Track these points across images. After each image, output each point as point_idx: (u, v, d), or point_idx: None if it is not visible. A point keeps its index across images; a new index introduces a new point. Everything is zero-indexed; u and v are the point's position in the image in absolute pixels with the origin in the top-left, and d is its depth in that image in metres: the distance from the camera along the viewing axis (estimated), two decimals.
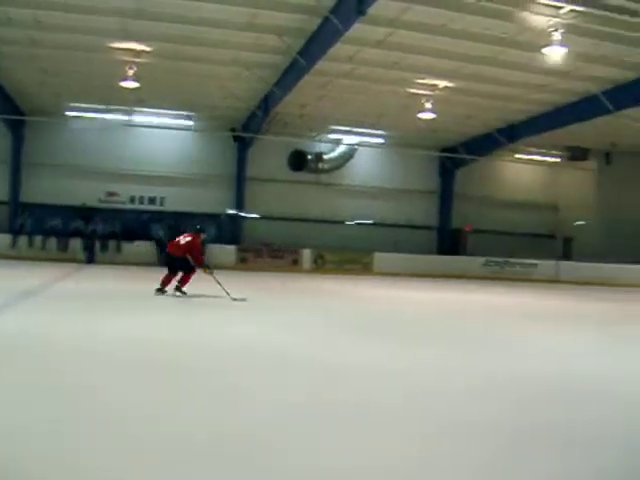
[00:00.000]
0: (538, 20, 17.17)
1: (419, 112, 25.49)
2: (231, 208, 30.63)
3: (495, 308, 16.67)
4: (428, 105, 24.83)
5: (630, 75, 21.57)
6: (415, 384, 6.53)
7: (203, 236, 15.15)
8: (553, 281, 30.14)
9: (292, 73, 21.75)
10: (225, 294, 13.74)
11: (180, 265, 14.41)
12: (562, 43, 17.54)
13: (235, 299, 13.62)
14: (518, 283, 28.24)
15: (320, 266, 29.34)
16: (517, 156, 34.83)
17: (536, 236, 34.21)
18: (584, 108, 24.47)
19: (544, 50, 18.20)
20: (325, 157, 32.15)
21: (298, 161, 31.73)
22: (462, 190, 34.23)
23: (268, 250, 29.24)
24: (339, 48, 18.92)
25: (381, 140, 32.47)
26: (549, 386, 6.69)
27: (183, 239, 14.59)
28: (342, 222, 31.82)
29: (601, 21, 17.19)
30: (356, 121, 29.30)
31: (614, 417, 5.54)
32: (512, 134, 29.34)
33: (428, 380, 6.75)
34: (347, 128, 30.69)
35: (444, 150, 33.96)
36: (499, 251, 31.46)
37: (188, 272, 14.43)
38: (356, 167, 33.01)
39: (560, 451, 4.40)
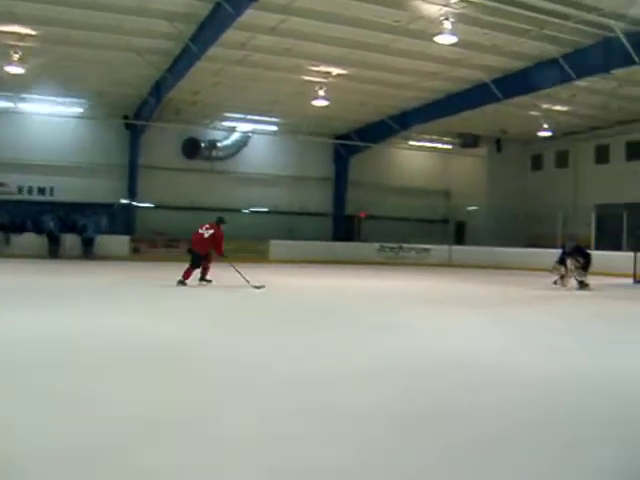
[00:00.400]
0: (430, 9, 17.38)
1: (313, 99, 25.50)
2: (124, 197, 29.93)
3: (389, 293, 16.81)
4: (321, 92, 24.85)
5: (518, 64, 22.15)
6: (304, 369, 6.58)
7: (223, 227, 15.98)
8: (446, 265, 30.71)
9: (184, 59, 21.34)
10: (245, 282, 14.87)
11: (203, 259, 15.55)
12: (453, 32, 17.79)
13: (256, 287, 14.71)
14: (412, 268, 28.65)
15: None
16: (410, 143, 35.40)
17: (429, 221, 34.88)
18: (475, 96, 25.00)
19: (436, 38, 18.41)
20: (219, 145, 31.83)
21: (192, 149, 31.27)
22: (356, 177, 34.52)
23: (162, 240, 28.72)
24: (232, 34, 18.66)
25: (275, 127, 32.40)
26: (439, 365, 6.98)
27: (206, 232, 15.51)
28: (237, 210, 31.53)
29: (490, 11, 17.56)
30: (250, 108, 29.11)
31: (489, 396, 5.74)
32: (405, 121, 29.70)
33: (316, 365, 6.84)
34: (241, 115, 30.48)
35: (338, 137, 34.11)
36: (393, 237, 31.85)
37: (208, 262, 15.61)
38: (251, 155, 32.83)
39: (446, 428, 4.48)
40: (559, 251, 19.50)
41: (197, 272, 15.65)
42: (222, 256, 15.51)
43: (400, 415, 4.99)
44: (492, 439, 4.46)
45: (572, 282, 18.20)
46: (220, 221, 15.95)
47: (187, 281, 15.17)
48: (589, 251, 19.37)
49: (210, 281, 15.59)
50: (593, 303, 15.62)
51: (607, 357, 7.85)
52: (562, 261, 18.50)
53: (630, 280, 21.16)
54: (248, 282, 14.86)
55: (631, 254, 22.19)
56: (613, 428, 4.84)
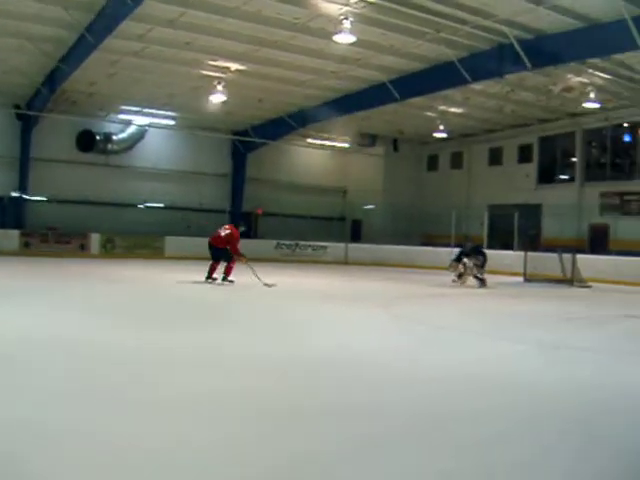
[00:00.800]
0: (330, 8, 17.42)
1: (211, 94, 25.20)
2: (14, 190, 28.87)
3: (284, 290, 16.82)
4: (220, 88, 24.59)
5: (416, 66, 22.49)
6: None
7: (241, 228, 17.65)
8: (342, 263, 30.97)
9: (79, 49, 20.66)
10: (257, 280, 16.13)
11: (221, 255, 16.69)
12: (352, 31, 17.86)
13: (267, 284, 16.06)
14: (309, 265, 28.78)
15: (109, 251, 28.43)
16: (309, 141, 35.50)
17: (327, 219, 35.11)
18: (373, 96, 25.26)
19: (335, 37, 18.45)
20: (115, 138, 31.11)
21: (86, 141, 30.44)
22: (254, 173, 34.44)
23: (54, 235, 27.88)
24: (129, 25, 18.25)
25: (172, 122, 31.90)
26: (328, 360, 7.19)
27: (223, 231, 16.89)
28: (133, 205, 31.02)
29: (389, 13, 17.76)
30: (147, 101, 28.57)
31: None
32: (303, 119, 29.76)
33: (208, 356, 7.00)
34: (138, 108, 29.85)
35: (236, 133, 33.92)
36: (291, 234, 31.91)
37: (229, 261, 16.65)
38: (147, 149, 32.25)
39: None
40: (454, 250, 20.02)
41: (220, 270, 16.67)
42: (239, 256, 16.69)
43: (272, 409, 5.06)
44: (386, 436, 4.50)
45: (470, 280, 18.78)
46: (239, 224, 17.85)
47: (214, 276, 16.78)
48: (485, 250, 20.12)
49: (232, 281, 16.56)
50: (488, 300, 16.12)
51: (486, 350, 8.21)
52: (459, 259, 19.08)
53: (520, 278, 21.83)
54: (259, 279, 16.24)
55: (521, 253, 22.95)
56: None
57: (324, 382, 6.20)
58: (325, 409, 5.19)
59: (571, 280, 21.07)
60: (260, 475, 3.75)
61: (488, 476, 3.93)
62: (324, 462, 3.99)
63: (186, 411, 4.99)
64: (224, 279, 16.57)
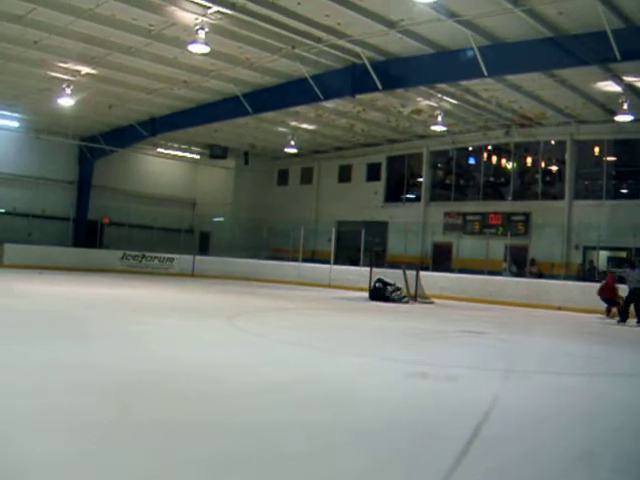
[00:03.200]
0: (186, 17, 17.27)
1: (59, 97, 24.33)
2: None
3: (126, 302, 16.47)
4: (69, 91, 23.79)
5: (270, 80, 22.69)
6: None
7: None
8: (189, 275, 30.68)
9: None
10: None
11: None
12: (207, 42, 17.72)
13: None
14: (155, 277, 28.30)
15: None
16: (159, 150, 35.03)
17: (175, 231, 34.60)
18: (226, 108, 25.24)
19: (189, 47, 18.24)
20: None
21: None
22: (102, 181, 33.54)
23: None
24: None
25: (17, 124, 30.57)
26: (160, 373, 7.08)
27: None
28: None
29: (246, 26, 17.82)
30: None
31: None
32: (154, 128, 29.31)
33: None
34: None
35: (85, 139, 32.92)
36: (138, 245, 31.28)
37: None
38: None
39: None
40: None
41: None
42: None
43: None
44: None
45: None
46: None
47: None
48: None
49: None
50: (332, 314, 16.41)
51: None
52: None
53: (366, 294, 22.26)
54: None
55: (367, 269, 23.46)
56: None
57: (149, 395, 6.07)
58: (145, 424, 5.06)
59: (414, 296, 21.69)
60: None
61: None
62: None
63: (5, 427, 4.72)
64: None
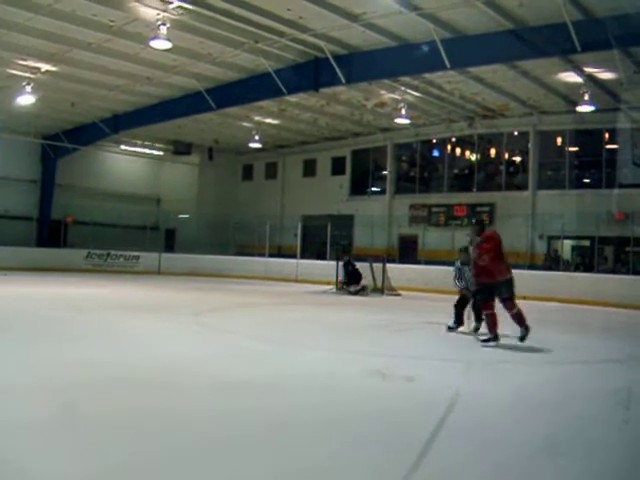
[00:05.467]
0: (147, 12, 17.14)
1: (19, 95, 23.98)
2: None
3: (92, 301, 16.33)
4: (29, 89, 23.47)
5: (233, 76, 22.63)
6: None
7: None
8: (155, 273, 30.48)
9: None
10: None
11: None
12: (169, 37, 17.60)
13: None
14: (121, 275, 28.09)
15: None
16: (122, 147, 34.76)
17: (140, 228, 34.30)
18: (189, 104, 25.11)
19: (151, 43, 18.09)
20: None
21: None
22: (65, 180, 33.11)
23: None
24: None
25: None
26: (126, 368, 7.18)
27: None
28: None
29: (207, 21, 17.74)
30: None
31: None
32: (117, 125, 29.05)
33: None
34: None
35: (47, 137, 32.51)
36: (102, 243, 30.96)
37: None
38: None
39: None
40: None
41: None
42: None
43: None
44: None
45: None
46: None
47: None
48: None
49: None
50: (297, 309, 16.46)
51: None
52: None
53: (332, 287, 22.35)
54: None
55: (333, 263, 23.54)
56: None
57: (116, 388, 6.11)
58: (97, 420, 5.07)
59: (381, 289, 21.77)
60: None
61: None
62: None
63: None
64: None
